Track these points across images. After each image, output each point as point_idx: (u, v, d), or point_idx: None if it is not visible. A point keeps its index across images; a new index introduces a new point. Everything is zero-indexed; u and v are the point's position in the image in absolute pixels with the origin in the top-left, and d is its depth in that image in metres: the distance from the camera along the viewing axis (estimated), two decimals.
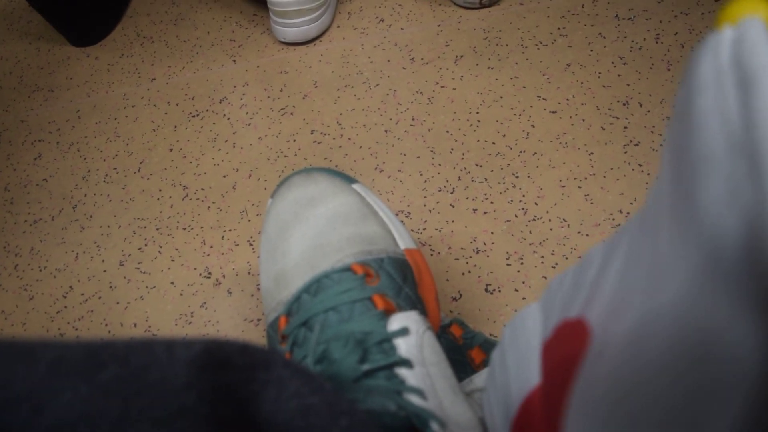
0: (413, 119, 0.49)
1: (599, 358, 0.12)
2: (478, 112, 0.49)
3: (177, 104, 0.55)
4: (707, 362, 0.09)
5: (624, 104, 0.47)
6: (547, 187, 0.43)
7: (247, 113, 0.53)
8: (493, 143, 0.46)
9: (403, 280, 0.28)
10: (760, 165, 0.08)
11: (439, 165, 0.46)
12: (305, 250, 0.28)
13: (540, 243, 0.41)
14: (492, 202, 0.43)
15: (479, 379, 0.27)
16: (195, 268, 0.44)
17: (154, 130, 0.53)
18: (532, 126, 0.47)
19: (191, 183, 0.49)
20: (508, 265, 0.40)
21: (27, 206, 0.51)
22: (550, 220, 0.42)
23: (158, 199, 0.49)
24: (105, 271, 0.45)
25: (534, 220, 0.42)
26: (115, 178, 0.51)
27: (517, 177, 0.44)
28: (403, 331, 0.24)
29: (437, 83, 0.51)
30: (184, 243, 0.46)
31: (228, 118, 0.53)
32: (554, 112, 0.48)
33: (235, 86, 0.55)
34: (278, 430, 0.17)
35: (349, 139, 0.49)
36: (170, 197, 0.49)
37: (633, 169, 0.43)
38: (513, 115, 0.48)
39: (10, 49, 0.65)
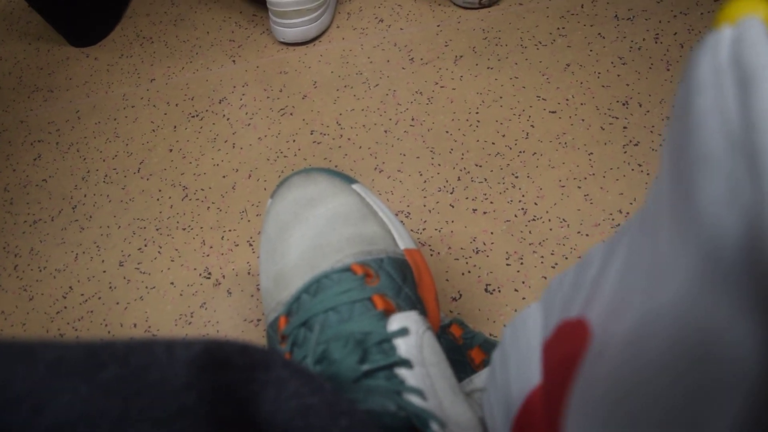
0: (413, 119, 0.49)
1: (599, 357, 0.12)
2: (477, 112, 0.49)
3: (176, 104, 0.55)
4: (707, 362, 0.09)
5: (623, 104, 0.47)
6: (546, 187, 0.43)
7: (246, 113, 0.53)
8: (493, 143, 0.46)
9: (402, 280, 0.28)
10: (759, 164, 0.08)
11: (439, 165, 0.46)
12: (305, 250, 0.28)
13: (540, 243, 0.41)
14: (492, 202, 0.43)
15: (479, 379, 0.27)
16: (195, 269, 0.44)
17: (153, 130, 0.53)
18: (532, 126, 0.47)
19: (191, 183, 0.49)
20: (507, 265, 0.40)
21: (27, 207, 0.51)
22: (549, 220, 0.42)
23: (158, 199, 0.49)
24: (105, 271, 0.45)
25: (534, 220, 0.42)
26: (114, 178, 0.51)
27: (516, 177, 0.44)
28: (403, 332, 0.24)
29: (437, 83, 0.51)
30: (183, 243, 0.46)
31: (228, 119, 0.53)
32: (554, 112, 0.48)
33: (234, 86, 0.55)
34: (278, 430, 0.17)
35: (349, 139, 0.49)
36: (170, 197, 0.49)
37: (632, 169, 0.43)
38: (512, 115, 0.48)
39: (10, 50, 0.65)
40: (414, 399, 0.22)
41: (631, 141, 0.45)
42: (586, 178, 0.43)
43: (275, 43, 0.58)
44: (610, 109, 0.47)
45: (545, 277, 0.39)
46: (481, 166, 0.45)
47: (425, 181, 0.45)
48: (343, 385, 0.22)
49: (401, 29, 0.56)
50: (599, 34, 0.52)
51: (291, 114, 0.52)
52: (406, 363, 0.23)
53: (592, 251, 0.16)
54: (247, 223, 0.46)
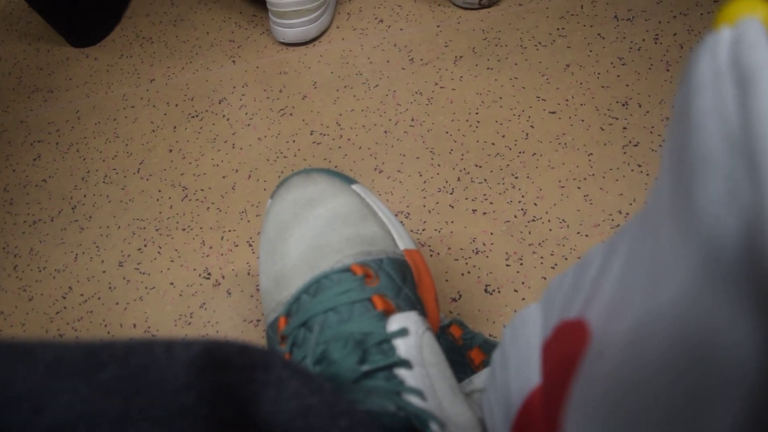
0: (412, 120, 0.49)
1: (599, 357, 0.12)
2: (477, 113, 0.49)
3: (176, 105, 0.55)
4: (707, 362, 0.09)
5: (623, 105, 0.47)
6: (546, 187, 0.43)
7: (246, 114, 0.53)
8: (493, 144, 0.46)
9: (402, 280, 0.28)
10: (758, 165, 0.08)
11: (439, 166, 0.46)
12: (305, 250, 0.28)
13: (539, 243, 0.41)
14: (491, 203, 0.43)
15: (479, 379, 0.27)
16: (194, 269, 0.44)
17: (153, 130, 0.53)
18: (532, 126, 0.47)
19: (191, 184, 0.49)
20: (507, 265, 0.40)
21: (26, 207, 0.51)
22: (549, 221, 0.42)
23: (158, 199, 0.49)
24: (104, 271, 0.45)
25: (533, 220, 0.42)
26: (114, 178, 0.51)
27: (516, 177, 0.44)
28: (403, 332, 0.24)
29: (436, 84, 0.51)
30: (183, 244, 0.46)
31: (227, 119, 0.53)
32: (553, 112, 0.48)
33: (234, 87, 0.55)
34: (278, 431, 0.17)
35: (349, 139, 0.49)
36: (170, 198, 0.49)
37: (632, 170, 0.43)
38: (512, 115, 0.48)
39: (10, 50, 0.65)
40: (413, 399, 0.22)
41: (630, 141, 0.45)
42: (585, 179, 0.43)
43: (275, 44, 0.58)
44: (610, 110, 0.47)
45: (545, 278, 0.39)
46: (480, 167, 0.45)
47: (425, 182, 0.45)
48: (343, 385, 0.22)
49: (401, 30, 0.56)
50: (599, 34, 0.52)
51: (291, 114, 0.52)
52: (405, 363, 0.23)
53: (592, 252, 0.16)
54: (246, 224, 0.46)
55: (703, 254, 0.09)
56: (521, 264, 0.40)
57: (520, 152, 0.46)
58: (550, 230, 0.41)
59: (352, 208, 0.29)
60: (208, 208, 0.47)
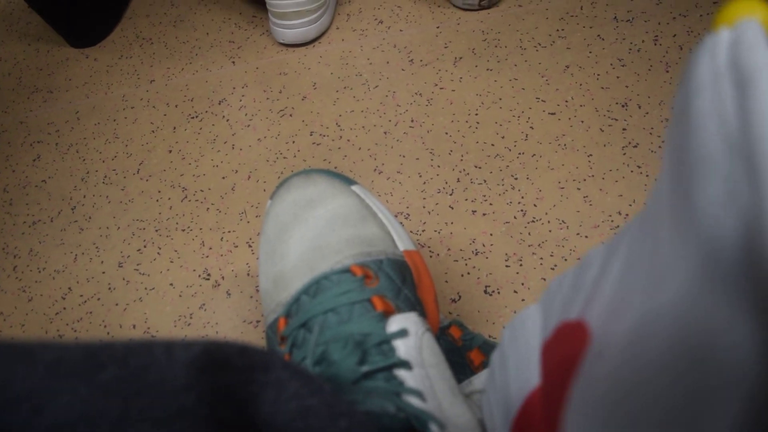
0: (412, 121, 0.49)
1: (599, 358, 0.12)
2: (477, 114, 0.49)
3: (176, 106, 0.55)
4: (707, 362, 0.09)
5: (623, 106, 0.47)
6: (546, 188, 0.43)
7: (246, 115, 0.53)
8: (492, 145, 0.47)
9: (402, 281, 0.28)
10: (756, 166, 0.08)
11: (438, 167, 0.46)
12: (304, 251, 0.28)
13: (539, 244, 0.41)
14: (491, 204, 0.43)
15: (478, 380, 0.27)
16: (194, 270, 0.44)
17: (153, 131, 0.53)
18: (531, 128, 0.47)
19: (190, 184, 0.49)
20: (507, 266, 0.40)
21: (26, 207, 0.51)
22: (549, 222, 0.42)
23: (157, 200, 0.49)
24: (104, 272, 0.45)
25: (533, 221, 0.42)
26: (114, 179, 0.51)
27: (516, 179, 0.44)
28: (402, 333, 0.24)
29: (436, 85, 0.51)
30: (183, 244, 0.46)
31: (227, 120, 0.53)
32: (553, 113, 0.48)
33: (234, 88, 0.55)
34: None
35: (348, 140, 0.49)
36: (169, 199, 0.49)
37: (632, 171, 0.43)
38: (512, 116, 0.48)
39: (9, 51, 0.65)
40: (413, 400, 0.22)
41: (630, 143, 0.45)
42: (585, 180, 0.43)
43: (275, 45, 0.58)
44: (610, 111, 0.47)
45: (544, 279, 0.39)
46: (480, 168, 0.45)
47: (425, 183, 0.45)
48: (343, 386, 0.22)
49: (401, 31, 0.56)
50: (598, 35, 0.52)
51: (290, 115, 0.52)
52: (405, 364, 0.23)
53: (592, 253, 0.16)
54: (246, 225, 0.46)
55: (703, 255, 0.09)
56: (521, 265, 0.40)
57: (519, 153, 0.46)
58: (550, 231, 0.41)
59: (352, 209, 0.29)
60: (208, 208, 0.47)
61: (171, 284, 0.44)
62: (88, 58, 0.61)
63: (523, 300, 0.39)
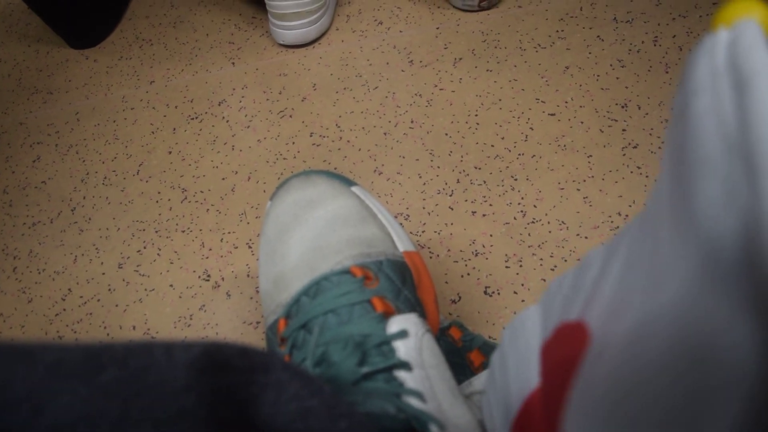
0: (412, 122, 0.49)
1: (599, 358, 0.12)
2: (476, 115, 0.49)
3: (176, 107, 0.55)
4: (707, 362, 0.09)
5: (622, 107, 0.47)
6: (545, 189, 0.43)
7: (246, 116, 0.53)
8: (492, 146, 0.47)
9: (402, 282, 0.28)
10: (755, 166, 0.08)
11: (438, 167, 0.46)
12: (304, 252, 0.28)
13: (539, 245, 0.41)
14: (491, 205, 0.43)
15: (478, 381, 0.27)
16: (194, 271, 0.44)
17: (153, 132, 0.54)
18: (531, 128, 0.47)
19: (190, 185, 0.49)
20: (507, 267, 0.40)
21: (26, 209, 0.51)
22: (549, 223, 0.42)
23: (157, 201, 0.49)
24: (104, 273, 0.45)
25: (533, 222, 0.42)
26: (113, 180, 0.51)
27: (515, 179, 0.44)
28: (402, 334, 0.24)
29: (436, 86, 0.51)
30: (183, 245, 0.46)
31: (227, 121, 0.53)
32: (553, 114, 0.48)
33: (234, 89, 0.55)
34: None
35: (348, 141, 0.49)
36: (169, 200, 0.49)
37: (632, 172, 0.43)
38: (512, 117, 0.48)
39: (9, 52, 0.65)
40: (413, 401, 0.22)
41: (630, 143, 0.45)
42: (585, 181, 0.43)
43: (274, 46, 0.58)
44: (609, 112, 0.47)
45: (544, 280, 0.39)
46: (480, 169, 0.45)
47: (424, 184, 0.45)
48: (343, 387, 0.22)
49: (400, 32, 0.56)
50: (598, 36, 0.52)
51: (290, 116, 0.52)
52: (405, 365, 0.23)
53: (592, 254, 0.16)
54: (246, 226, 0.46)
55: (702, 255, 0.09)
56: (521, 266, 0.40)
57: (519, 154, 0.46)
58: (550, 232, 0.41)
59: (352, 210, 0.29)
60: (208, 209, 0.47)
61: (171, 285, 0.44)
62: (87, 59, 0.61)
63: (523, 301, 0.39)
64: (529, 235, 0.41)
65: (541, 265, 0.40)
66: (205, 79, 0.56)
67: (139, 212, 0.48)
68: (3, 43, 0.66)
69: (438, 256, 0.42)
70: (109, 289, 0.44)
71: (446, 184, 0.45)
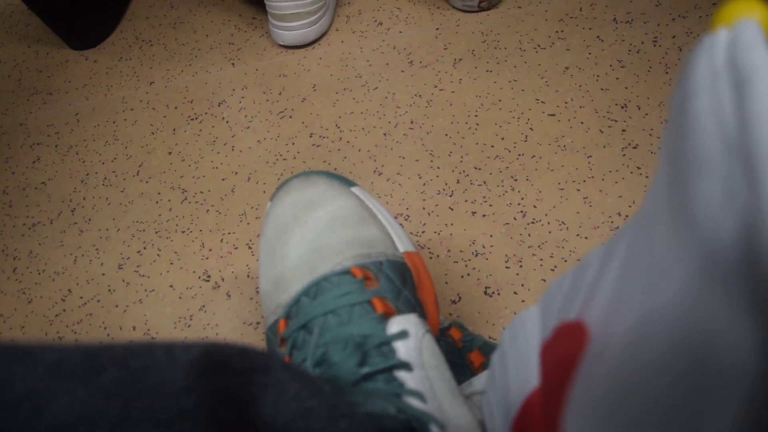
0: (412, 122, 0.49)
1: (598, 358, 0.12)
2: (476, 115, 0.49)
3: (176, 107, 0.55)
4: (707, 362, 0.09)
5: (622, 107, 0.47)
6: (545, 190, 0.43)
7: (245, 116, 0.53)
8: (492, 146, 0.47)
9: (402, 283, 0.28)
10: (755, 166, 0.08)
11: (438, 168, 0.46)
12: (304, 253, 0.28)
13: (539, 246, 0.41)
14: (491, 205, 0.43)
15: (478, 381, 0.27)
16: (194, 271, 0.44)
17: (152, 133, 0.54)
18: (531, 129, 0.47)
19: (190, 186, 0.49)
20: (507, 267, 0.40)
21: (26, 209, 0.51)
22: (548, 223, 0.42)
23: (157, 202, 0.49)
24: (104, 274, 0.45)
25: (533, 222, 0.42)
26: (113, 181, 0.51)
27: (515, 180, 0.44)
28: (402, 334, 0.24)
29: (436, 86, 0.51)
30: (182, 246, 0.46)
31: (227, 121, 0.53)
32: (552, 115, 0.48)
33: (233, 89, 0.55)
34: None
35: (348, 142, 0.49)
36: (169, 200, 0.49)
37: (631, 172, 0.43)
38: (511, 118, 0.48)
39: (9, 52, 0.65)
40: (413, 402, 0.22)
41: (629, 144, 0.45)
42: (585, 181, 0.44)
43: (274, 46, 0.58)
44: (609, 112, 0.47)
45: (544, 280, 0.39)
46: (480, 169, 0.45)
47: (424, 184, 0.45)
48: (343, 387, 0.22)
49: (400, 32, 0.56)
50: (598, 37, 0.52)
51: (290, 117, 0.52)
52: (405, 366, 0.23)
53: (591, 254, 0.16)
54: (246, 226, 0.46)
55: (702, 256, 0.09)
56: (521, 266, 0.40)
57: (519, 154, 0.46)
58: (550, 232, 0.41)
59: (352, 211, 0.29)
60: (208, 210, 0.47)
61: (171, 286, 0.44)
62: (87, 59, 0.61)
63: (523, 301, 0.39)
64: (529, 235, 0.41)
65: (541, 265, 0.40)
66: (204, 79, 0.56)
67: (139, 213, 0.48)
68: (3, 43, 0.66)
69: (438, 256, 0.42)
70: (109, 290, 0.44)
71: (446, 184, 0.45)
